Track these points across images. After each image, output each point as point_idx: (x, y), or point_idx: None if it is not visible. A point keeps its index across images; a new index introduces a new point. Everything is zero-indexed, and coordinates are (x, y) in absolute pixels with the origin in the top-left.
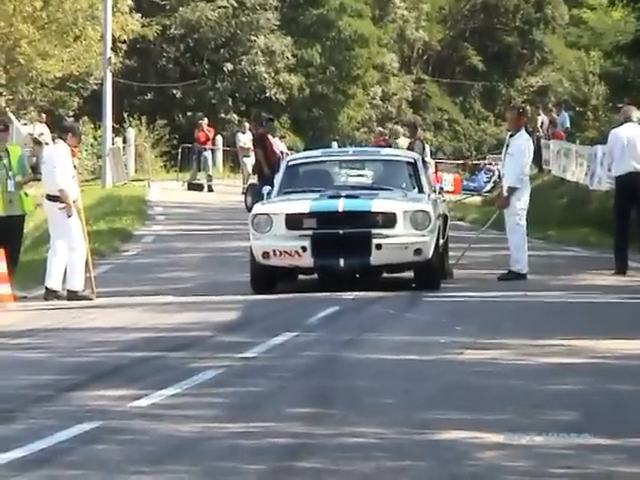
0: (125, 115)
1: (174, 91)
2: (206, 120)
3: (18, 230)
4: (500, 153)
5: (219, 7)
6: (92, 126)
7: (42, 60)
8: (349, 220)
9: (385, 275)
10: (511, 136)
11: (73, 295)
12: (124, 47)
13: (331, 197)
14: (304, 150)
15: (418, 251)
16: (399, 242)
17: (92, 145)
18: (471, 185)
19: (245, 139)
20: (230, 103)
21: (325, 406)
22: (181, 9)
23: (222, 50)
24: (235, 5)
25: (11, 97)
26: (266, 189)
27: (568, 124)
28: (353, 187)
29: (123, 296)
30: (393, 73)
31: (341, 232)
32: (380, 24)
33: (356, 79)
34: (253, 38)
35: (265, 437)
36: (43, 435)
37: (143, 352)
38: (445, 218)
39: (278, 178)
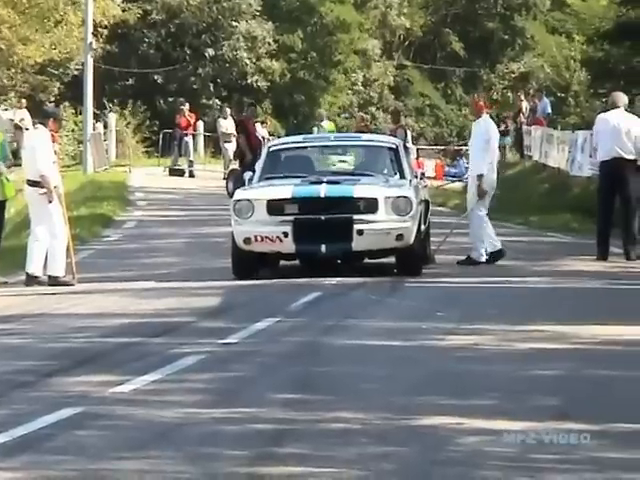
0: (105, 101)
1: (155, 76)
2: (187, 105)
3: None
4: None
5: None
6: (73, 111)
7: (23, 45)
8: (331, 206)
9: (367, 261)
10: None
11: (54, 281)
12: (105, 32)
13: (313, 183)
14: (286, 136)
15: (400, 237)
16: (381, 228)
17: (73, 131)
18: (452, 171)
19: (227, 124)
20: (212, 89)
21: (307, 392)
22: None
23: (203, 35)
24: None
25: None
26: (248, 175)
27: (549, 110)
28: (335, 173)
29: (104, 282)
30: (375, 59)
31: (323, 218)
32: (362, 10)
33: (337, 65)
34: (234, 23)
35: (248, 423)
36: (25, 421)
37: (125, 338)
38: (427, 204)
39: (259, 164)
